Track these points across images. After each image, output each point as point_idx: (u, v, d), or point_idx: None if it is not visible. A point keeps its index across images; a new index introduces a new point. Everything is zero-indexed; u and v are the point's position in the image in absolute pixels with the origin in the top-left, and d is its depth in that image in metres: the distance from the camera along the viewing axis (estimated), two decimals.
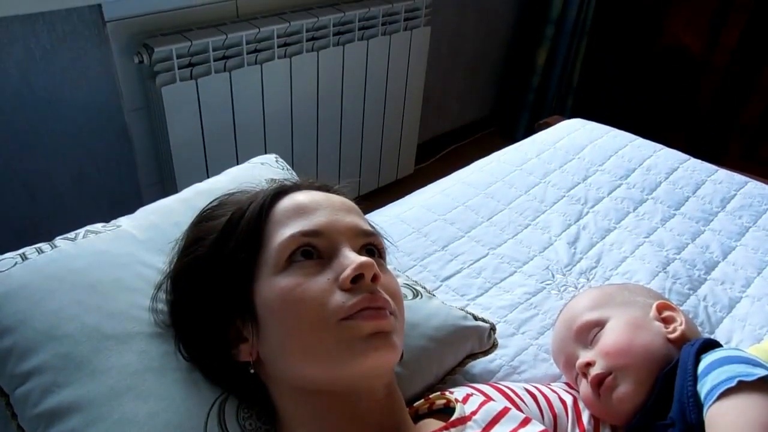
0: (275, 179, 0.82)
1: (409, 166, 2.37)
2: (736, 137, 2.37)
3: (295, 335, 0.54)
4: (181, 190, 0.86)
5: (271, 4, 1.68)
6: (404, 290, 0.80)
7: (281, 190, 0.63)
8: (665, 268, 1.02)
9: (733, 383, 0.58)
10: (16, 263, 0.69)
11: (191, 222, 0.67)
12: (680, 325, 0.73)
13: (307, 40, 1.70)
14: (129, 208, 0.85)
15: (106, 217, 0.84)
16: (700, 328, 0.91)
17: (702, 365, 0.64)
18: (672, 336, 0.71)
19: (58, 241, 0.73)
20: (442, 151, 2.65)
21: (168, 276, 0.67)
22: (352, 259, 0.55)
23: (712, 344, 0.69)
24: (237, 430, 0.60)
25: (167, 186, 1.64)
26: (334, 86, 1.87)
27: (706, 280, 1.01)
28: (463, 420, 0.60)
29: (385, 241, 0.66)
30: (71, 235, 0.74)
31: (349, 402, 0.57)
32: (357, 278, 0.54)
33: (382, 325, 0.54)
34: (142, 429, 0.57)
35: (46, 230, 1.51)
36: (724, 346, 0.70)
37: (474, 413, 0.61)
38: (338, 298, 0.53)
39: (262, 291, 0.56)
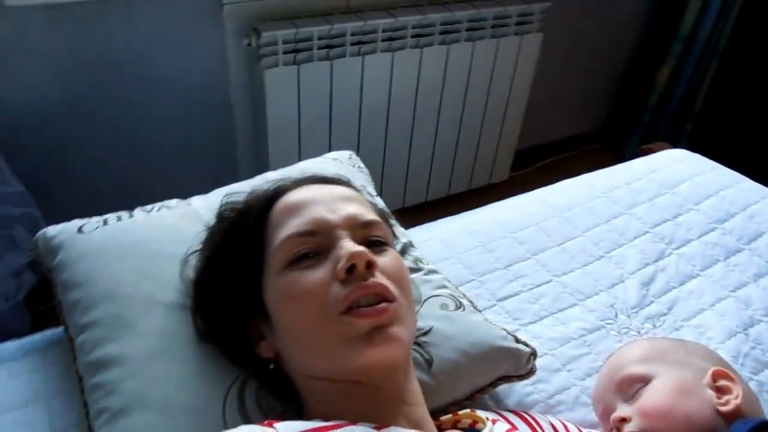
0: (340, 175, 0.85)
1: (504, 172, 2.32)
2: None
3: (301, 330, 0.56)
4: (272, 168, 0.92)
5: None
6: (447, 300, 0.80)
7: (277, 192, 0.65)
8: (746, 330, 0.92)
9: None
10: (97, 227, 0.77)
11: (213, 223, 0.71)
12: (735, 398, 0.66)
13: (412, 37, 1.71)
14: (225, 182, 0.92)
15: (204, 184, 0.92)
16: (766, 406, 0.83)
17: None
18: (723, 409, 0.65)
19: (136, 211, 0.81)
20: (542, 161, 2.56)
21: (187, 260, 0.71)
22: (346, 249, 0.55)
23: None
24: (254, 405, 0.63)
25: (261, 165, 1.72)
26: (435, 85, 1.86)
27: None
28: None
29: (400, 229, 0.63)
30: (148, 207, 0.82)
31: (372, 389, 0.57)
32: (352, 268, 0.54)
33: (378, 320, 0.53)
34: (171, 390, 0.62)
35: (149, 192, 1.66)
36: None
37: None
38: (335, 290, 0.54)
39: (269, 291, 0.59)
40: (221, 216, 0.69)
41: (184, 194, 0.89)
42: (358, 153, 1.83)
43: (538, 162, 2.55)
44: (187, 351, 0.65)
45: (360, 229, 0.60)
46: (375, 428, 0.52)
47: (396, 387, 0.58)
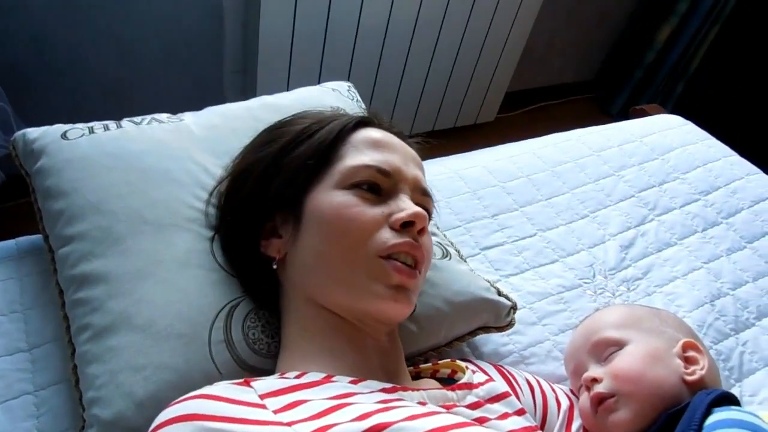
0: (340, 108, 0.82)
1: (491, 113, 2.29)
2: None
3: (333, 251, 0.57)
4: (260, 84, 0.88)
5: None
6: (435, 248, 0.80)
7: (366, 120, 0.66)
8: (713, 301, 0.96)
9: None
10: (83, 135, 0.73)
11: (269, 126, 0.70)
12: (701, 369, 0.70)
13: None
14: (210, 90, 0.88)
15: (188, 93, 0.87)
16: (728, 373, 0.87)
17: (711, 419, 0.62)
18: (689, 378, 0.69)
19: (124, 122, 0.76)
20: (530, 105, 2.53)
21: (221, 180, 0.69)
22: (410, 205, 0.58)
23: (729, 399, 0.66)
24: (240, 336, 0.63)
25: (249, 77, 1.65)
26: (436, 16, 1.79)
27: (753, 325, 0.95)
28: (470, 386, 0.61)
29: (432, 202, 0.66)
30: (137, 119, 0.77)
31: (356, 332, 0.59)
32: (406, 224, 0.57)
33: (408, 282, 0.57)
34: (157, 312, 0.61)
35: (131, 97, 1.57)
36: (742, 406, 0.67)
37: (477, 386, 0.62)
38: (385, 233, 0.57)
39: (317, 198, 0.59)
40: (288, 121, 0.68)
41: (166, 104, 0.85)
42: (349, 77, 1.78)
43: (525, 107, 2.53)
44: (173, 275, 0.64)
45: (419, 195, 0.63)
46: (351, 382, 0.53)
47: (376, 342, 0.60)
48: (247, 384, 0.50)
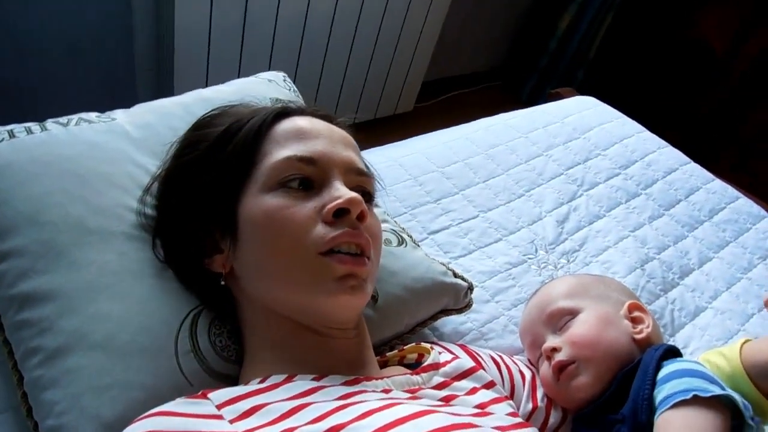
0: (280, 99, 0.80)
1: (409, 103, 2.32)
2: (732, 146, 2.38)
3: (272, 258, 0.55)
4: (177, 80, 0.83)
5: None
6: (390, 236, 0.80)
7: (285, 111, 0.63)
8: (643, 266, 1.04)
9: (688, 396, 0.61)
10: (3, 139, 0.66)
11: (190, 126, 0.66)
12: (647, 327, 0.75)
13: None
14: (121, 90, 0.82)
15: (97, 93, 0.80)
16: (662, 330, 0.95)
17: (663, 372, 0.66)
18: (637, 337, 0.73)
19: (49, 124, 0.70)
20: (445, 94, 2.59)
21: (156, 178, 0.66)
22: (342, 192, 0.55)
23: (674, 352, 0.72)
24: (207, 345, 0.60)
25: (163, 74, 1.56)
26: (353, 8, 1.78)
27: (678, 284, 1.03)
28: (435, 366, 0.62)
29: (377, 184, 0.65)
30: (63, 120, 0.71)
31: (317, 335, 0.57)
32: (341, 212, 0.54)
33: (357, 270, 0.54)
34: (115, 327, 0.57)
35: (32, 99, 1.44)
36: (685, 357, 0.73)
37: (444, 365, 0.63)
38: (319, 229, 0.53)
39: (247, 206, 0.56)
40: (205, 122, 0.64)
41: (73, 105, 0.78)
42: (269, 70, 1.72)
43: (441, 95, 2.59)
44: (129, 286, 0.60)
45: (354, 176, 0.59)
46: (313, 379, 0.53)
47: (344, 341, 0.59)
48: (204, 396, 0.49)
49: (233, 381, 0.60)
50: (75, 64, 1.44)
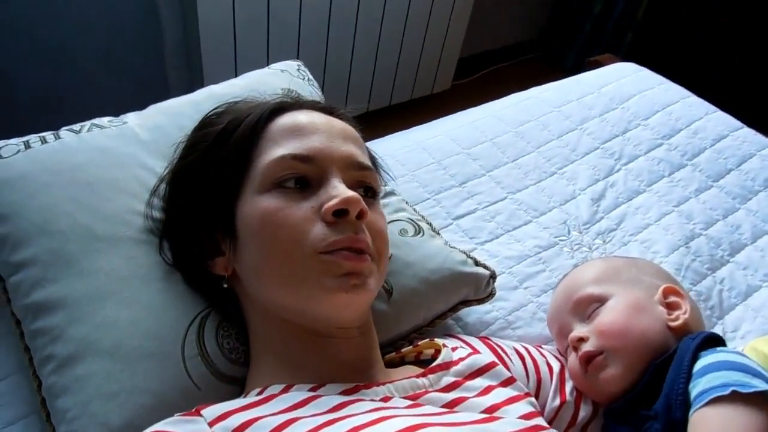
0: (291, 90, 0.78)
1: (446, 81, 2.26)
2: None
3: (270, 260, 0.53)
4: (206, 75, 0.83)
5: None
6: (406, 225, 0.78)
7: (281, 107, 0.61)
8: (688, 243, 0.97)
9: (727, 391, 0.56)
10: (19, 151, 0.67)
11: (194, 126, 0.66)
12: (684, 313, 0.69)
13: None
14: (155, 89, 0.82)
15: (133, 95, 0.81)
16: (709, 312, 0.88)
17: (699, 364, 0.61)
18: (673, 324, 0.68)
19: (63, 132, 0.71)
20: (484, 69, 2.51)
21: (162, 180, 0.66)
22: (339, 190, 0.53)
23: (714, 340, 0.66)
24: (214, 347, 0.60)
25: (194, 70, 1.58)
26: None
27: (728, 262, 0.96)
28: (446, 366, 0.59)
29: (388, 174, 0.63)
30: (76, 127, 0.72)
31: (319, 338, 0.56)
32: (341, 212, 0.52)
33: (359, 267, 0.52)
34: (123, 334, 0.58)
35: (70, 106, 1.49)
36: (728, 346, 0.67)
37: (456, 363, 0.60)
38: (319, 230, 0.52)
39: (244, 208, 0.55)
40: (208, 121, 0.63)
41: (109, 109, 0.79)
42: (298, 59, 1.71)
43: (479, 71, 2.51)
44: (136, 291, 0.60)
45: (354, 171, 0.57)
46: (310, 389, 0.52)
47: (346, 342, 0.57)
48: (198, 413, 0.48)
49: (241, 384, 0.59)
50: (107, 69, 1.47)
